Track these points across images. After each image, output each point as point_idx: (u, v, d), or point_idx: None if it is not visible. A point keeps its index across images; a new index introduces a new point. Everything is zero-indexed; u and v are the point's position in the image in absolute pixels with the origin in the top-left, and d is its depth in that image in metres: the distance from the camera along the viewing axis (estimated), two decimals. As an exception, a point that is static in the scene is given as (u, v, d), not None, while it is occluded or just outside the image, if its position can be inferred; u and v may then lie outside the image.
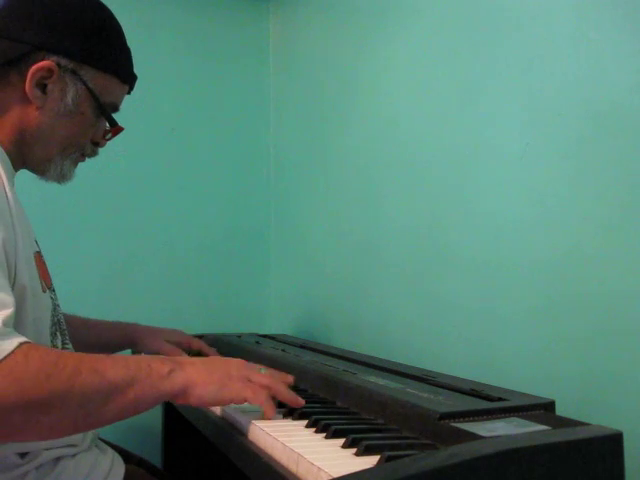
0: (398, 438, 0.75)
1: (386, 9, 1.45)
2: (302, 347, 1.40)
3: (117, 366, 0.76)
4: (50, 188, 1.08)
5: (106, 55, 0.98)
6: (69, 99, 0.95)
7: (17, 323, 0.82)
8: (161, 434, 1.62)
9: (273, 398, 0.85)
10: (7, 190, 0.84)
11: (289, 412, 0.86)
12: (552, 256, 1.01)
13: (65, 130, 0.97)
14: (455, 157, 1.23)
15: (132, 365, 0.77)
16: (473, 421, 0.74)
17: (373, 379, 0.96)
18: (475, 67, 1.19)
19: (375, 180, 1.49)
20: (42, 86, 0.93)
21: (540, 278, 1.03)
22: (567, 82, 1.00)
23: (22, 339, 0.71)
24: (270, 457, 0.73)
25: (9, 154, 0.93)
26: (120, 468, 1.00)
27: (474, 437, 0.67)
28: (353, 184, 1.58)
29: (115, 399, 0.74)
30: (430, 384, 0.94)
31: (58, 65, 0.93)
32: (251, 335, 1.66)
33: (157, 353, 1.28)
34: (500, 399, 0.83)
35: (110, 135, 1.06)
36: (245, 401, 0.83)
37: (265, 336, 1.65)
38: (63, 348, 0.98)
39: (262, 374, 0.87)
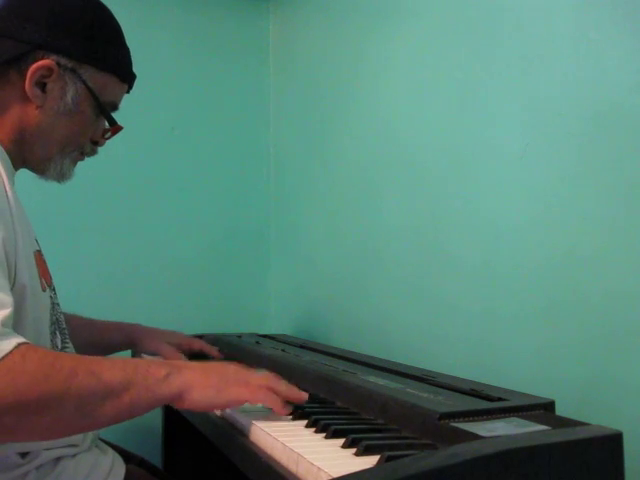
0: (398, 438, 0.75)
1: (386, 9, 1.45)
2: (302, 347, 1.40)
3: (114, 368, 0.76)
4: (50, 188, 1.08)
5: (106, 54, 0.98)
6: (69, 98, 0.95)
7: (17, 322, 0.82)
8: (161, 434, 1.62)
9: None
10: (7, 189, 0.85)
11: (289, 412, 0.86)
12: (552, 256, 1.01)
13: (65, 129, 0.97)
14: (455, 157, 1.23)
15: (129, 368, 0.77)
16: (473, 421, 0.74)
17: (373, 379, 0.96)
18: (475, 67, 1.18)
19: (375, 180, 1.49)
20: (42, 85, 0.94)
21: (540, 278, 1.03)
22: (567, 82, 0.99)
23: (20, 340, 0.71)
24: (270, 457, 0.73)
25: (9, 153, 0.93)
26: (120, 468, 1.00)
27: (474, 437, 0.67)
28: (353, 184, 1.58)
29: (111, 401, 0.74)
30: (430, 384, 0.94)
31: (58, 64, 0.93)
32: (251, 335, 1.66)
33: (156, 355, 1.28)
34: (500, 399, 0.83)
35: (109, 134, 1.06)
36: (244, 403, 0.83)
37: (265, 336, 1.65)
38: (63, 347, 0.98)
39: (260, 376, 0.86)
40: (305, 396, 0.86)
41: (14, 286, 0.82)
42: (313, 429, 0.79)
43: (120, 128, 1.05)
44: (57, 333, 0.96)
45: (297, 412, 0.85)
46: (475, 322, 1.16)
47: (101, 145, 1.07)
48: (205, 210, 1.96)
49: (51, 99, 0.94)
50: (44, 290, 0.92)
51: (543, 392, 0.87)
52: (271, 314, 2.01)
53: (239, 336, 1.60)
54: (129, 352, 1.41)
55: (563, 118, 1.00)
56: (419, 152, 1.34)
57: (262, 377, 0.86)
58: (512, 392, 0.88)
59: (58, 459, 0.91)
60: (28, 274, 0.85)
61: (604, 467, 0.67)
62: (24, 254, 0.84)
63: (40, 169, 1.00)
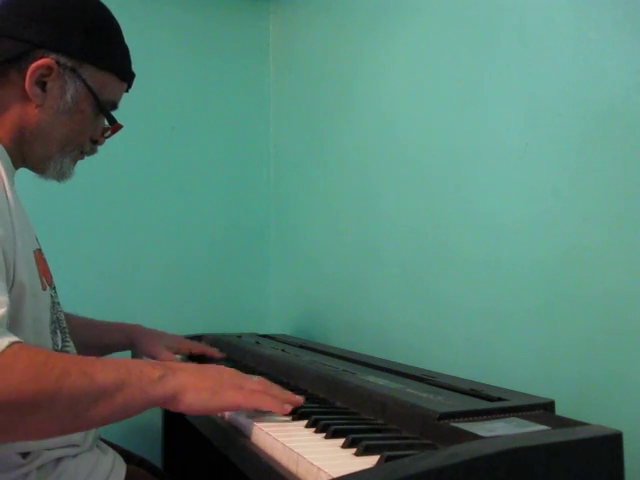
0: (398, 438, 0.75)
1: (386, 9, 1.45)
2: (302, 347, 1.40)
3: (107, 369, 0.75)
4: (50, 187, 1.08)
5: (105, 53, 0.98)
6: (69, 97, 0.95)
7: (17, 321, 0.82)
8: (161, 434, 1.62)
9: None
10: (7, 188, 0.85)
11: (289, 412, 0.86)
12: (552, 256, 1.01)
13: (65, 128, 0.97)
14: (455, 157, 1.23)
15: (123, 369, 0.76)
16: (473, 421, 0.74)
17: (373, 379, 0.96)
18: (475, 67, 1.19)
19: (375, 180, 1.49)
20: (42, 84, 0.94)
21: (540, 278, 1.03)
22: (567, 82, 0.99)
23: (13, 338, 0.71)
24: (270, 457, 0.72)
25: (9, 152, 0.93)
26: (121, 468, 1.00)
27: (474, 437, 0.67)
28: (353, 184, 1.58)
29: (104, 402, 0.73)
30: (430, 384, 0.94)
31: (57, 63, 0.93)
32: (251, 335, 1.66)
33: (153, 358, 1.28)
34: (500, 399, 0.83)
35: (109, 133, 1.06)
36: (238, 408, 0.82)
37: (265, 336, 1.65)
38: (63, 346, 0.98)
39: (255, 381, 0.86)
40: (300, 400, 0.86)
41: (13, 285, 0.81)
42: (313, 429, 0.79)
43: (120, 127, 1.05)
44: (58, 332, 0.96)
45: (297, 412, 0.85)
46: (475, 322, 1.16)
47: (101, 144, 1.07)
48: (205, 210, 1.96)
49: (51, 98, 0.95)
50: (44, 289, 0.92)
51: (543, 392, 0.87)
52: (271, 314, 2.01)
53: (239, 336, 1.60)
54: (129, 353, 1.42)
55: (563, 118, 1.00)
56: (419, 152, 1.34)
57: (256, 382, 0.85)
58: (512, 392, 0.88)
59: (59, 459, 0.91)
60: (27, 273, 0.85)
61: (604, 467, 0.67)
62: (23, 253, 0.84)
63: (40, 168, 1.00)
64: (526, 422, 0.73)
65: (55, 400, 0.70)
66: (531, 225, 1.05)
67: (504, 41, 1.12)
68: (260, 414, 0.84)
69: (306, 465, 0.65)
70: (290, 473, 0.67)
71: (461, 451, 0.60)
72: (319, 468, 0.63)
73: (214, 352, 1.36)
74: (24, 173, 1.01)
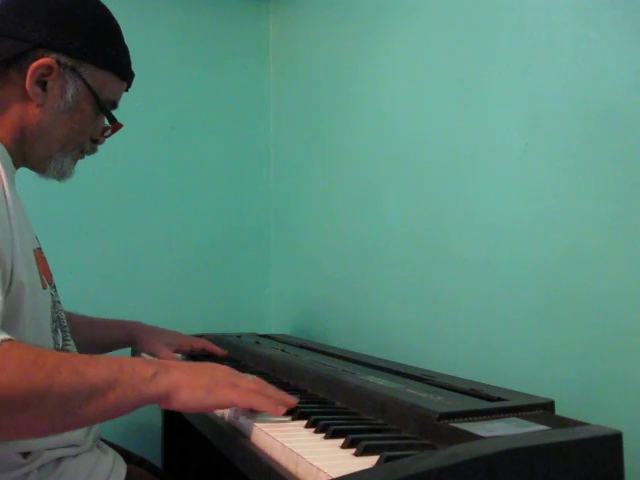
0: (397, 438, 0.75)
1: (386, 9, 1.45)
2: (301, 347, 1.40)
3: (99, 367, 0.74)
4: (51, 187, 1.08)
5: (105, 52, 0.98)
6: (69, 96, 0.96)
7: (16, 320, 0.82)
8: (161, 434, 1.62)
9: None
10: (6, 189, 0.85)
11: (289, 412, 0.86)
12: (552, 256, 1.01)
13: (65, 127, 0.97)
14: (455, 157, 1.23)
15: (115, 366, 0.75)
16: (472, 421, 0.74)
17: (372, 379, 0.96)
18: (475, 67, 1.19)
19: (374, 180, 1.49)
20: (42, 83, 0.94)
21: (540, 278, 1.03)
22: (567, 82, 0.99)
23: (4, 336, 0.71)
24: (269, 457, 0.72)
25: (10, 152, 0.93)
26: (122, 468, 1.00)
27: (473, 437, 0.67)
28: (353, 184, 1.58)
29: (95, 400, 0.72)
30: (429, 384, 0.94)
31: (58, 62, 0.94)
32: (251, 335, 1.66)
33: (153, 355, 1.28)
34: (499, 399, 0.83)
35: (109, 132, 1.06)
36: (233, 405, 0.82)
37: (265, 336, 1.65)
38: (64, 345, 0.98)
39: (250, 380, 0.85)
40: (295, 402, 0.85)
41: (12, 284, 0.81)
42: (312, 429, 0.79)
43: (120, 126, 1.05)
44: (58, 331, 0.96)
45: (297, 412, 0.85)
46: (475, 322, 1.16)
47: (101, 143, 1.07)
48: (205, 210, 1.96)
49: (51, 97, 0.95)
50: (45, 288, 0.92)
51: (543, 392, 0.87)
52: (271, 314, 2.01)
53: (239, 336, 1.60)
54: (129, 351, 1.42)
55: (563, 118, 1.00)
56: (419, 152, 1.34)
57: (251, 381, 0.85)
58: (512, 392, 0.88)
59: (60, 459, 0.91)
60: (27, 272, 0.85)
61: (604, 467, 0.67)
62: (22, 252, 0.84)
63: (40, 167, 1.00)
64: (526, 422, 0.73)
65: (46, 398, 0.70)
66: (531, 225, 1.05)
67: (504, 41, 1.12)
68: (258, 414, 0.83)
69: (306, 465, 0.65)
70: (289, 473, 0.67)
71: (461, 451, 0.60)
72: (319, 468, 0.63)
73: (215, 348, 1.35)
74: (24, 173, 1.01)
